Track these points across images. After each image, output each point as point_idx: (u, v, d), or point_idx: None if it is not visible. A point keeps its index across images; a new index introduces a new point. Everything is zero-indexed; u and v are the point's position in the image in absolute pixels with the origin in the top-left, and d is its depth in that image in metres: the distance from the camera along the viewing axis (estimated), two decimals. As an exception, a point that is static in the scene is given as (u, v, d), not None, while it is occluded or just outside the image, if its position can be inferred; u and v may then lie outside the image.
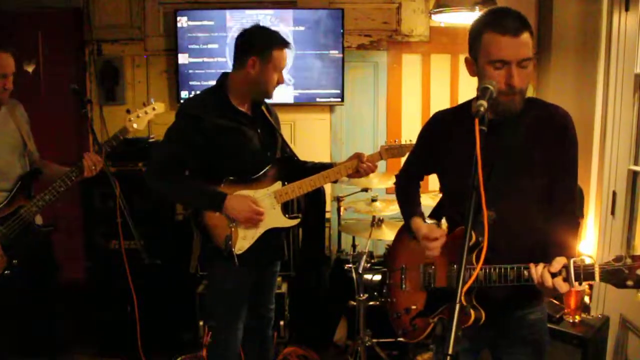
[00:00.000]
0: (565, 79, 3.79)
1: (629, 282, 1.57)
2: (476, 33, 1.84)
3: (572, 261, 1.64)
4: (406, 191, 2.33)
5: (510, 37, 1.75)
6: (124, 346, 3.57)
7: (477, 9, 3.35)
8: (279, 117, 2.92)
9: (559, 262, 1.67)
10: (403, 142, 2.81)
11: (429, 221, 2.23)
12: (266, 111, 2.78)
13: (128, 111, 2.97)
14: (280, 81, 2.65)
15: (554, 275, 1.66)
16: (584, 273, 1.63)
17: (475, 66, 1.87)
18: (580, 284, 1.65)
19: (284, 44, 2.60)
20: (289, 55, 2.67)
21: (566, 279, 1.65)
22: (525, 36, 1.76)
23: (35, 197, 2.79)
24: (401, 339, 3.52)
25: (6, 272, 2.71)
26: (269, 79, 2.60)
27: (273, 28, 2.66)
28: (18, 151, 2.87)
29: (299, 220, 2.76)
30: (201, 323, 3.72)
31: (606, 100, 3.20)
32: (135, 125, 2.93)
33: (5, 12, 4.35)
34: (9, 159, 2.82)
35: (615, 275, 1.59)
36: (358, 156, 2.76)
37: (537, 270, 1.70)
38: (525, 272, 1.74)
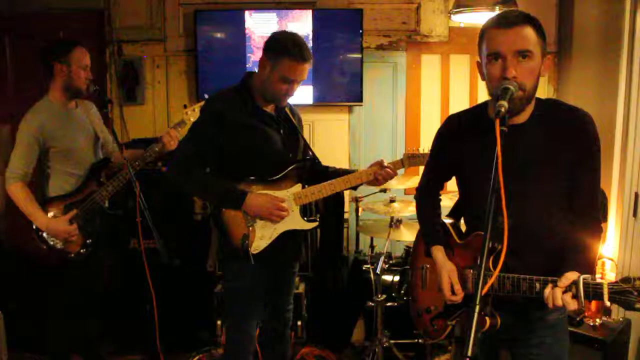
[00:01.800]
0: (587, 79, 3.76)
1: (638, 305, 1.54)
2: (480, 35, 1.86)
3: (581, 278, 1.62)
4: (426, 208, 2.28)
5: (504, 29, 1.76)
6: (143, 344, 3.60)
7: (497, 8, 3.33)
8: (302, 118, 2.92)
9: (567, 279, 1.65)
10: (426, 151, 2.77)
11: (447, 221, 2.21)
12: (289, 112, 2.78)
13: (185, 106, 3.24)
14: (290, 93, 2.59)
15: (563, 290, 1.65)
16: (593, 292, 1.60)
17: (482, 68, 1.88)
18: (590, 301, 1.63)
19: (299, 57, 2.50)
20: (305, 71, 2.55)
21: (575, 296, 1.63)
22: (523, 29, 1.76)
23: (105, 183, 3.13)
24: (420, 340, 3.55)
25: (82, 250, 3.08)
26: (275, 85, 2.54)
27: (293, 30, 2.65)
28: (92, 143, 3.21)
29: (317, 223, 2.75)
30: (219, 322, 3.74)
31: (628, 100, 3.17)
32: (191, 119, 3.12)
33: (27, 13, 4.41)
34: (86, 150, 3.16)
35: (623, 297, 1.55)
36: (379, 163, 2.75)
37: (547, 292, 1.68)
38: (537, 285, 1.72)
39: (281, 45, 2.52)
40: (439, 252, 2.10)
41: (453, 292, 1.98)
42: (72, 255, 3.06)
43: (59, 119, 3.04)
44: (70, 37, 3.30)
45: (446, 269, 2.02)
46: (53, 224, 2.98)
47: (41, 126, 2.98)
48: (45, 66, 3.03)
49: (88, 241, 3.08)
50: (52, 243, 3.03)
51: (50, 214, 3.02)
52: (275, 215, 2.61)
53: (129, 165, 2.98)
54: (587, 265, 1.78)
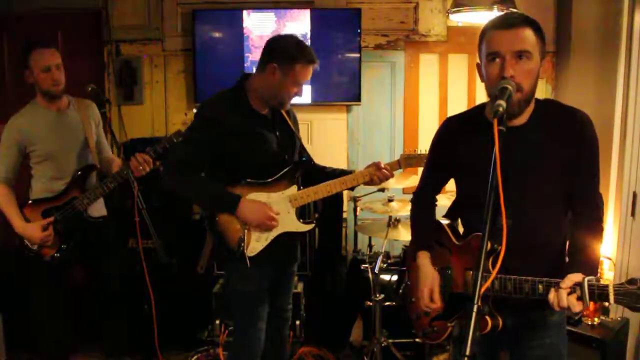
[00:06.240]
0: (585, 79, 3.76)
1: None
2: (480, 37, 1.87)
3: (586, 280, 1.61)
4: (420, 212, 2.27)
5: (503, 30, 1.78)
6: (141, 344, 3.59)
7: (495, 8, 3.34)
8: (298, 119, 2.91)
9: (571, 280, 1.65)
10: (423, 152, 2.78)
11: (443, 221, 2.21)
12: (285, 114, 2.76)
13: (186, 114, 3.18)
14: (299, 94, 2.62)
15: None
16: (598, 293, 1.60)
17: (481, 69, 1.88)
18: (595, 303, 1.63)
19: (310, 60, 2.55)
20: (312, 71, 2.60)
21: (580, 298, 1.62)
22: (522, 30, 1.77)
23: (88, 190, 3.10)
24: (418, 340, 3.54)
25: (56, 254, 3.06)
26: (286, 90, 2.56)
27: (291, 29, 2.66)
28: (78, 148, 3.13)
29: (313, 225, 2.74)
30: (217, 322, 3.74)
31: (626, 100, 3.17)
32: None
33: (26, 13, 4.40)
34: (70, 154, 3.10)
35: (629, 298, 1.55)
36: (376, 164, 2.74)
37: (552, 296, 1.68)
38: (540, 287, 1.72)
39: (292, 53, 2.53)
40: (424, 258, 2.11)
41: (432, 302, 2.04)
42: (46, 258, 3.05)
43: (42, 123, 3.02)
44: (35, 38, 3.15)
45: (430, 275, 2.06)
46: (28, 229, 2.99)
47: (21, 130, 2.99)
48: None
49: (63, 246, 3.07)
50: (27, 245, 3.04)
51: (27, 218, 3.02)
52: (267, 225, 2.60)
53: (129, 169, 2.99)
54: (590, 266, 1.78)
